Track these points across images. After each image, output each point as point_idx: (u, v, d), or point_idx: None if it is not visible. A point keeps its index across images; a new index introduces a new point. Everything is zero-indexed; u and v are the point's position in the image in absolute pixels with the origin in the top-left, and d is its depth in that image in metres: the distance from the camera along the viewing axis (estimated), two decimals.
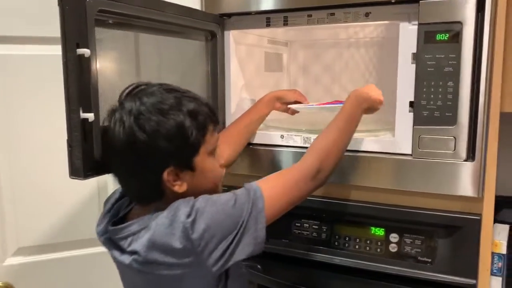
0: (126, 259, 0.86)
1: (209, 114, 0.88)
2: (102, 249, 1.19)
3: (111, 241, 0.91)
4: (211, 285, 0.87)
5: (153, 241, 0.82)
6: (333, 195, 1.18)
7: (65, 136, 0.95)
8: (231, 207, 0.84)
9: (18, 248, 1.34)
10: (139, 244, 0.84)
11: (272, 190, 0.89)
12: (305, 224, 1.22)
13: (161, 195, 0.86)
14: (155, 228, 0.82)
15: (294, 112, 1.26)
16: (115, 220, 0.93)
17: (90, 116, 0.88)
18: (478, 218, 1.04)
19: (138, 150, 0.82)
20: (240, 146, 1.22)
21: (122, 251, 0.88)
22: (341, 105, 1.06)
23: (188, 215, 0.81)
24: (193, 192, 0.87)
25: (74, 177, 0.89)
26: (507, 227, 1.25)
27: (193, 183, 0.87)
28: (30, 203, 1.35)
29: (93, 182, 1.39)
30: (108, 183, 1.40)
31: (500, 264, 1.17)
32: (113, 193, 1.02)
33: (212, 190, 0.91)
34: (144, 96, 0.85)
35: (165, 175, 0.83)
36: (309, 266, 1.21)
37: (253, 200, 0.86)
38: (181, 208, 0.82)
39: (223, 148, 1.09)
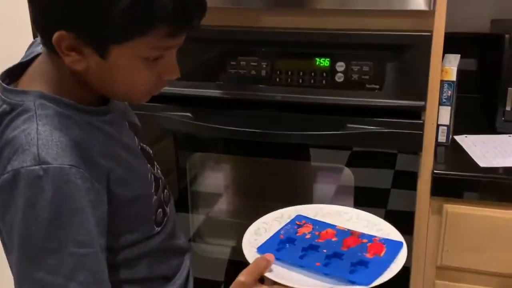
0: None
1: (170, 12, 0.64)
2: None
3: None
4: None
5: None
6: (272, 24, 1.07)
7: None
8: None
9: None
10: None
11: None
12: (241, 62, 1.11)
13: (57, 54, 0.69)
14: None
15: None
16: (15, 65, 0.77)
17: None
18: (429, 34, 0.99)
19: None
20: None
21: None
22: None
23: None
24: (98, 82, 0.72)
25: None
26: (458, 55, 1.20)
27: (100, 73, 0.71)
28: None
29: None
30: None
31: (449, 93, 1.13)
32: None
33: (125, 95, 0.76)
34: None
35: (56, 35, 0.66)
36: (248, 108, 1.14)
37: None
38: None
39: None
